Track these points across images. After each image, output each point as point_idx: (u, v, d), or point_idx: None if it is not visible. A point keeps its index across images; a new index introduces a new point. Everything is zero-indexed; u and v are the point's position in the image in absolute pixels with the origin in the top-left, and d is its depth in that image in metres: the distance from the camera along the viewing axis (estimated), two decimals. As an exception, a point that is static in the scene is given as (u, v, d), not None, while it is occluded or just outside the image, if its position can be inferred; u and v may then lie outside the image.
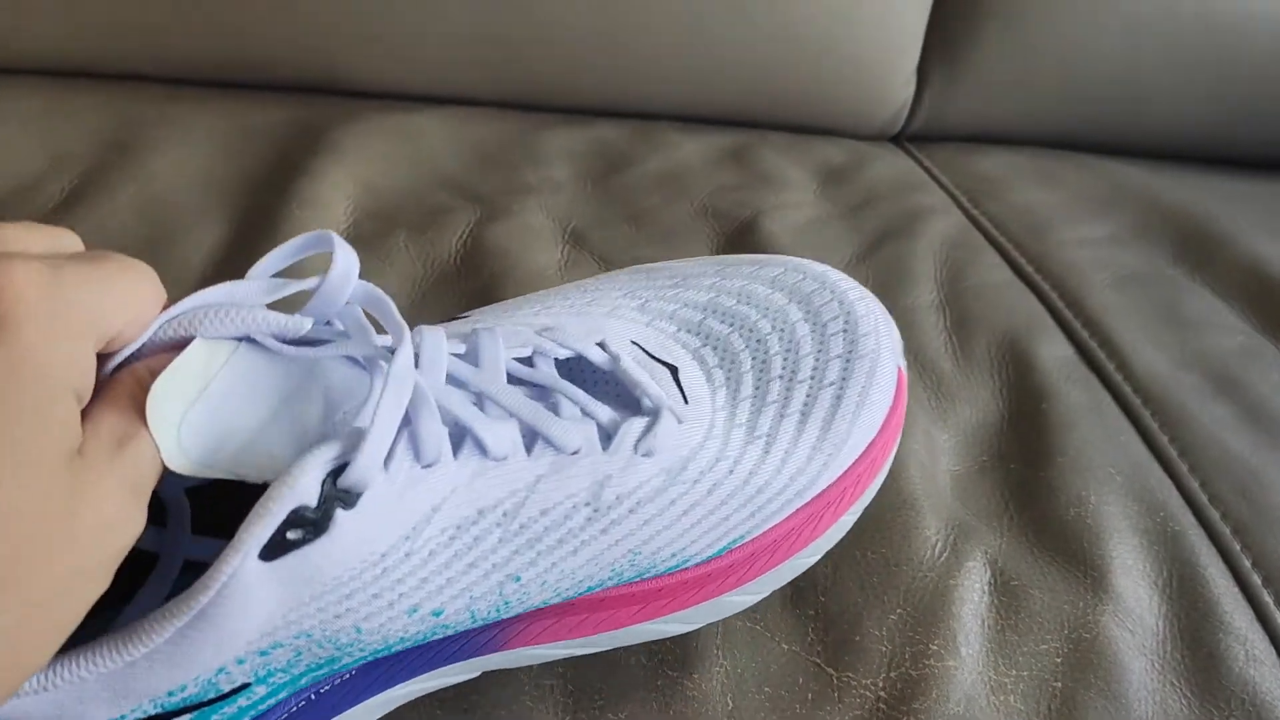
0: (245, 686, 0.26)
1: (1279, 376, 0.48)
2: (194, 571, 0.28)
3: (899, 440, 0.37)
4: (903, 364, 0.37)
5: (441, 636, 0.29)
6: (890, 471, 0.39)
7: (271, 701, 0.28)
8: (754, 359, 0.34)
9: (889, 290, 0.51)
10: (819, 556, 0.35)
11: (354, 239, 0.49)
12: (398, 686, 0.31)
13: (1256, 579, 0.39)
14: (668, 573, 0.31)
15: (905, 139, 0.71)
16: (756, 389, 0.33)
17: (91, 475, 0.22)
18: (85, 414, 0.23)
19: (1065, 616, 0.36)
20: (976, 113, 0.68)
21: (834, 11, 0.62)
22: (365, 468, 0.24)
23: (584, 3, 0.60)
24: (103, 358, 0.24)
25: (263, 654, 0.26)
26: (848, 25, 0.63)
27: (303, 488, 0.24)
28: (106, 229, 0.48)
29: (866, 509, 0.38)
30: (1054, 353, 0.48)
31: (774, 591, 0.35)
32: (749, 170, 0.61)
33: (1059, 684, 0.34)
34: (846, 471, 0.34)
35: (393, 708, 0.31)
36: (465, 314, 0.36)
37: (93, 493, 0.21)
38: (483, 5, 0.60)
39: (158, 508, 0.32)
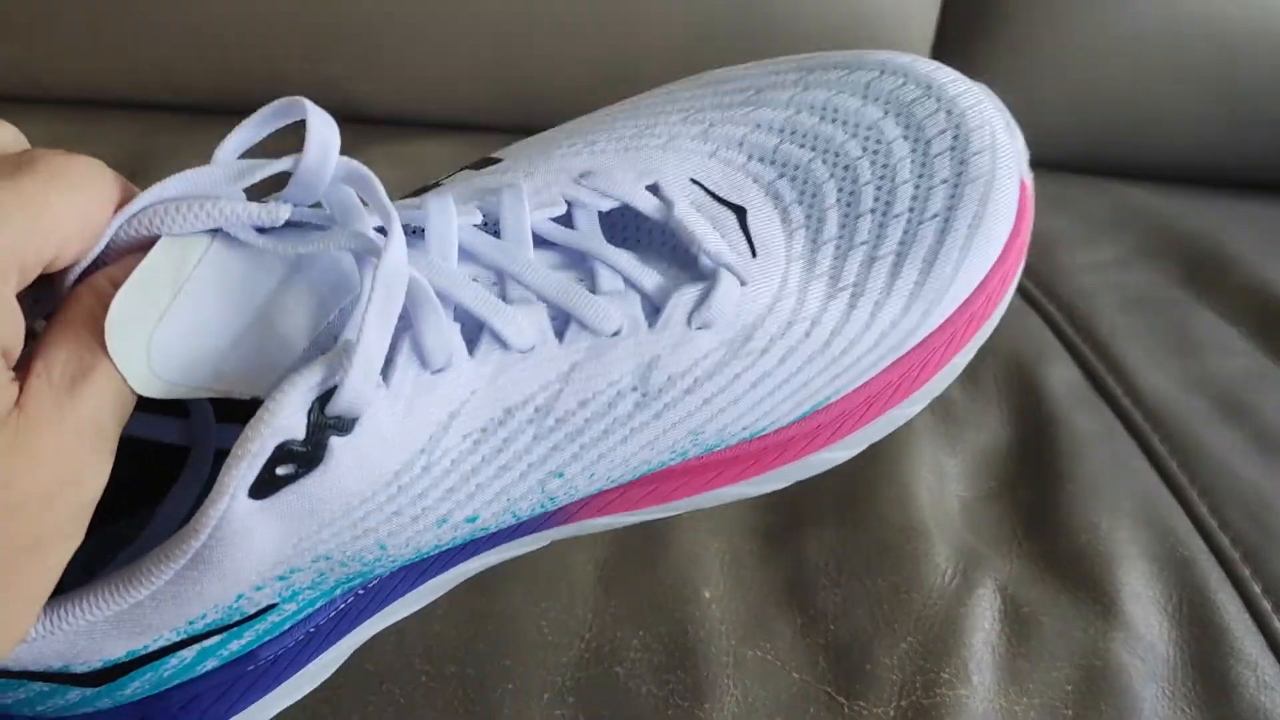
0: (273, 606, 0.24)
1: (1288, 400, 0.48)
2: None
3: (1022, 264, 0.32)
4: (1027, 177, 0.31)
5: (485, 536, 0.27)
6: (899, 498, 0.39)
7: (309, 610, 0.26)
8: (840, 190, 0.29)
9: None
10: (924, 405, 0.31)
11: (364, 266, 0.50)
12: (457, 566, 0.28)
13: (1266, 605, 0.38)
14: (742, 442, 0.28)
15: (912, 162, 0.71)
16: (843, 228, 0.29)
17: (36, 433, 0.19)
18: (36, 350, 0.20)
19: (1076, 644, 0.36)
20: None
21: (840, 37, 0.62)
22: (357, 390, 0.21)
23: (591, 29, 0.60)
24: (53, 277, 0.22)
25: (281, 579, 0.24)
26: (854, 50, 0.63)
27: (285, 421, 0.21)
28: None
29: (875, 534, 0.38)
30: (1062, 377, 0.48)
31: (784, 621, 0.35)
32: (757, 195, 0.61)
33: (1070, 712, 0.34)
34: (955, 313, 0.29)
35: (459, 582, 0.29)
36: (497, 154, 0.31)
37: (37, 451, 0.19)
38: (491, 32, 0.60)
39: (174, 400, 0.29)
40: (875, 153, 0.29)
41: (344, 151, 0.60)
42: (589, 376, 0.25)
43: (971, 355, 0.31)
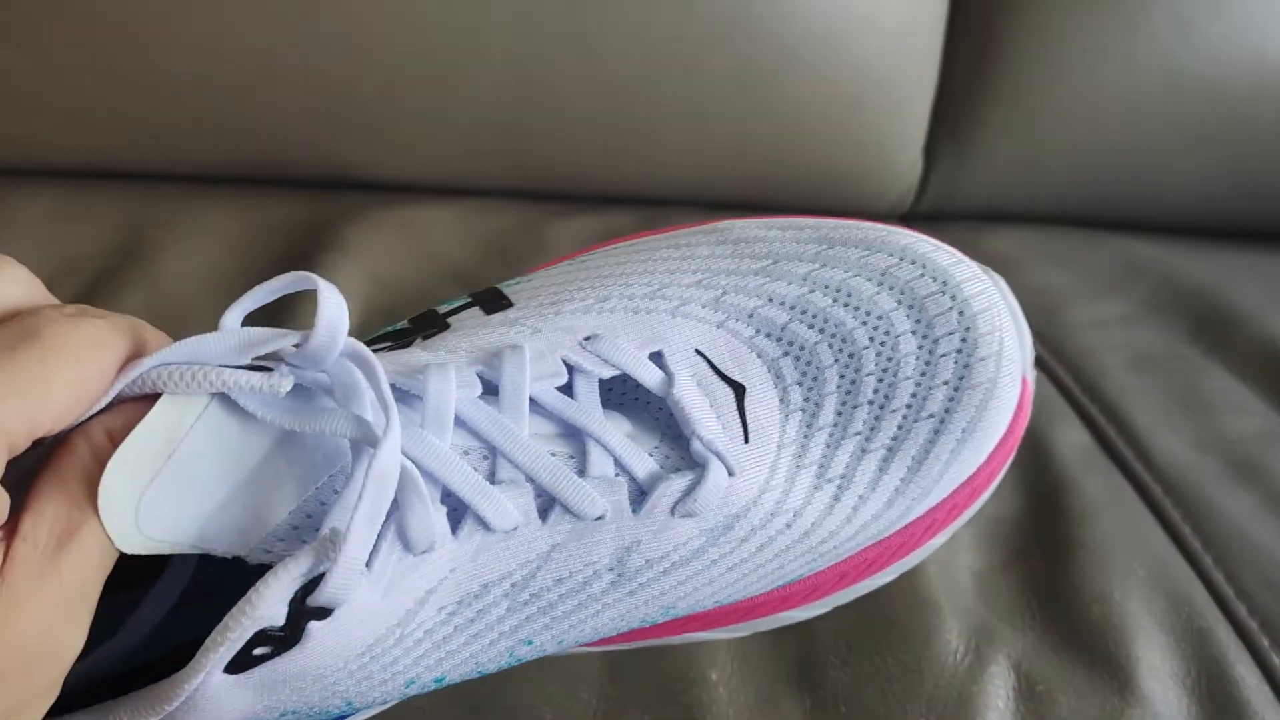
0: None
1: (1302, 461, 0.47)
2: (209, 560, 0.24)
3: (1012, 458, 0.32)
4: (1030, 375, 0.31)
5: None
6: (908, 572, 0.39)
7: None
8: (841, 377, 0.29)
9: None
10: (896, 576, 0.32)
11: (362, 335, 0.49)
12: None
13: (1287, 677, 0.38)
14: (710, 609, 0.29)
15: (915, 218, 0.71)
16: (839, 415, 0.29)
17: (15, 604, 0.19)
18: (28, 502, 0.20)
19: (1093, 722, 0.35)
20: (985, 191, 0.68)
21: (840, 96, 0.62)
22: (341, 584, 0.22)
23: (592, 91, 0.60)
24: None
25: None
26: (854, 109, 0.63)
27: (266, 611, 0.21)
28: (116, 332, 0.48)
29: (884, 610, 0.37)
30: (1072, 441, 0.47)
31: (793, 703, 0.35)
32: (758, 256, 0.61)
33: (1089, 796, 0.33)
34: (937, 506, 0.30)
35: None
36: (505, 293, 0.31)
37: (18, 624, 0.19)
38: (490, 96, 0.60)
39: None
40: (882, 344, 0.29)
41: (339, 218, 0.60)
42: (568, 556, 0.26)
43: (948, 536, 0.32)
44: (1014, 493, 0.44)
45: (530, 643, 0.26)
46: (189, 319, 0.49)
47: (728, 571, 0.27)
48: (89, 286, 0.52)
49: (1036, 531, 0.42)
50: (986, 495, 0.31)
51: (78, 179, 0.61)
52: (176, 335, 0.48)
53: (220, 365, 0.22)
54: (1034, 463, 0.45)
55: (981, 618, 0.38)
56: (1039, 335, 0.55)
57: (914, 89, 0.65)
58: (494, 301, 0.30)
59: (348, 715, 0.25)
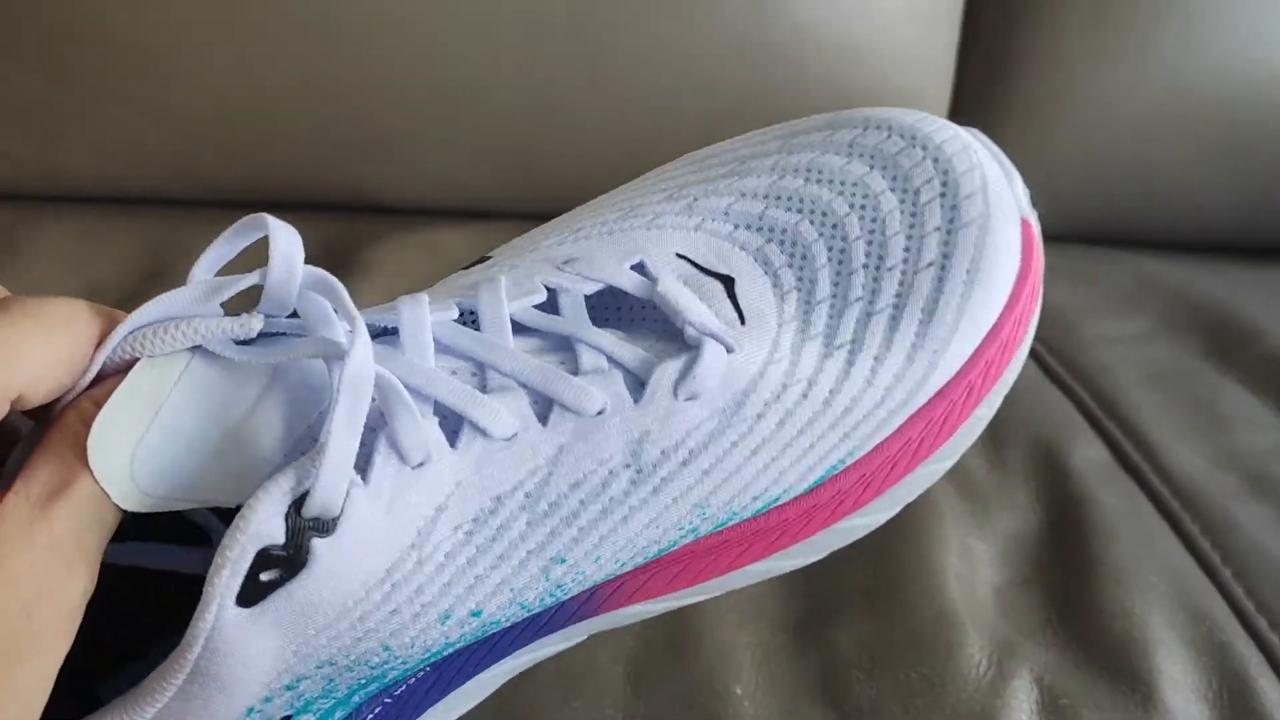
0: (288, 718, 0.24)
1: (1318, 475, 0.47)
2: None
3: (1038, 307, 0.31)
4: (1031, 216, 0.30)
5: (497, 631, 0.27)
6: (928, 586, 0.39)
7: None
8: (830, 249, 0.28)
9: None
10: (954, 460, 0.30)
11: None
12: (486, 671, 0.28)
13: (1309, 690, 0.38)
14: (757, 515, 0.27)
15: (928, 237, 0.71)
16: (835, 286, 0.28)
17: (4, 550, 0.20)
18: (23, 468, 0.21)
19: (1116, 736, 0.35)
20: (998, 210, 0.68)
21: (853, 116, 0.63)
22: (329, 491, 0.22)
23: (606, 112, 0.61)
24: (44, 410, 0.23)
25: (289, 688, 0.24)
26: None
27: (261, 526, 0.21)
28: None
29: (907, 624, 0.38)
30: (1089, 456, 0.47)
31: (817, 717, 0.35)
32: (774, 275, 0.61)
33: (1113, 809, 0.33)
34: (968, 363, 0.28)
35: (492, 689, 0.29)
36: (487, 254, 0.31)
37: (10, 565, 0.20)
38: (506, 119, 0.61)
39: (193, 529, 0.29)
40: (863, 207, 0.29)
41: (361, 242, 0.60)
42: (578, 458, 0.25)
43: (995, 406, 0.30)
44: (1032, 508, 0.44)
45: (564, 560, 0.25)
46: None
47: (753, 455, 0.26)
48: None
49: (1056, 547, 0.42)
50: (1020, 355, 0.30)
51: (102, 205, 0.62)
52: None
53: (191, 316, 0.23)
54: (1052, 478, 0.46)
55: (1003, 633, 0.38)
56: (1054, 352, 0.55)
57: (926, 107, 0.65)
58: (474, 263, 0.31)
59: (390, 668, 0.25)
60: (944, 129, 0.30)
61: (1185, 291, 0.62)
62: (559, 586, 0.26)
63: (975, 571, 0.41)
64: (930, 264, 0.28)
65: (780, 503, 0.27)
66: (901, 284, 0.28)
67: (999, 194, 0.29)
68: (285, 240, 0.23)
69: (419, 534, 0.24)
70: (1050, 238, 0.68)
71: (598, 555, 0.26)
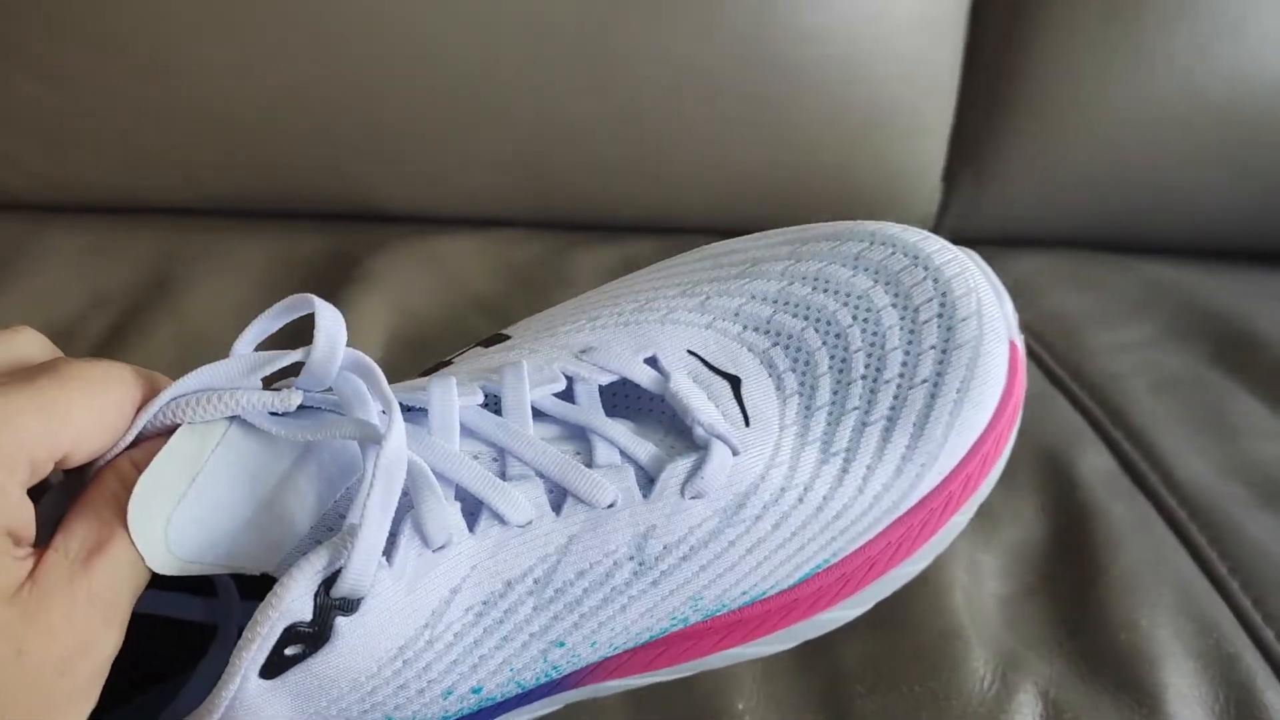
0: None
1: (1327, 484, 0.47)
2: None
3: (1017, 425, 0.33)
4: (1018, 339, 0.32)
5: (491, 706, 0.27)
6: (932, 600, 0.39)
7: None
8: (832, 358, 0.30)
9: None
10: (927, 563, 0.32)
11: (389, 367, 0.50)
12: None
13: (1317, 703, 0.38)
14: (743, 607, 0.29)
15: (935, 243, 0.71)
16: (835, 394, 0.30)
17: (45, 604, 0.21)
18: (62, 524, 0.22)
19: (1122, 750, 0.35)
20: (1004, 216, 0.68)
21: (858, 123, 0.63)
22: (360, 573, 0.23)
23: (612, 121, 0.61)
24: (82, 469, 0.23)
25: None
26: (872, 136, 0.63)
27: (292, 605, 0.22)
28: (150, 367, 0.49)
29: (911, 638, 0.37)
30: (1096, 465, 0.47)
31: (821, 732, 0.35)
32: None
33: (1119, 825, 0.33)
34: (950, 475, 0.30)
35: None
36: (504, 331, 0.33)
37: (46, 623, 0.20)
38: (512, 128, 0.61)
39: (203, 578, 0.30)
40: (865, 320, 0.30)
41: (366, 250, 0.60)
42: (586, 548, 0.26)
43: (971, 514, 0.32)
44: (1038, 519, 0.44)
45: (562, 644, 0.26)
46: (217, 352, 0.50)
47: (748, 554, 0.28)
48: (119, 320, 0.53)
49: (1062, 558, 0.42)
50: (998, 468, 0.32)
51: (108, 214, 0.62)
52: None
53: (233, 389, 0.24)
54: (1059, 488, 0.45)
55: (1008, 645, 0.38)
56: (1060, 359, 0.55)
57: (932, 114, 0.65)
58: (491, 340, 0.32)
59: None
60: (944, 250, 0.31)
61: (1193, 298, 0.62)
62: (554, 667, 0.27)
63: (980, 584, 0.41)
64: (925, 380, 0.29)
65: (765, 596, 0.29)
66: (896, 397, 0.29)
67: (992, 317, 0.30)
68: (330, 321, 0.24)
69: (433, 614, 0.25)
70: (1056, 243, 0.69)
71: (594, 640, 0.27)
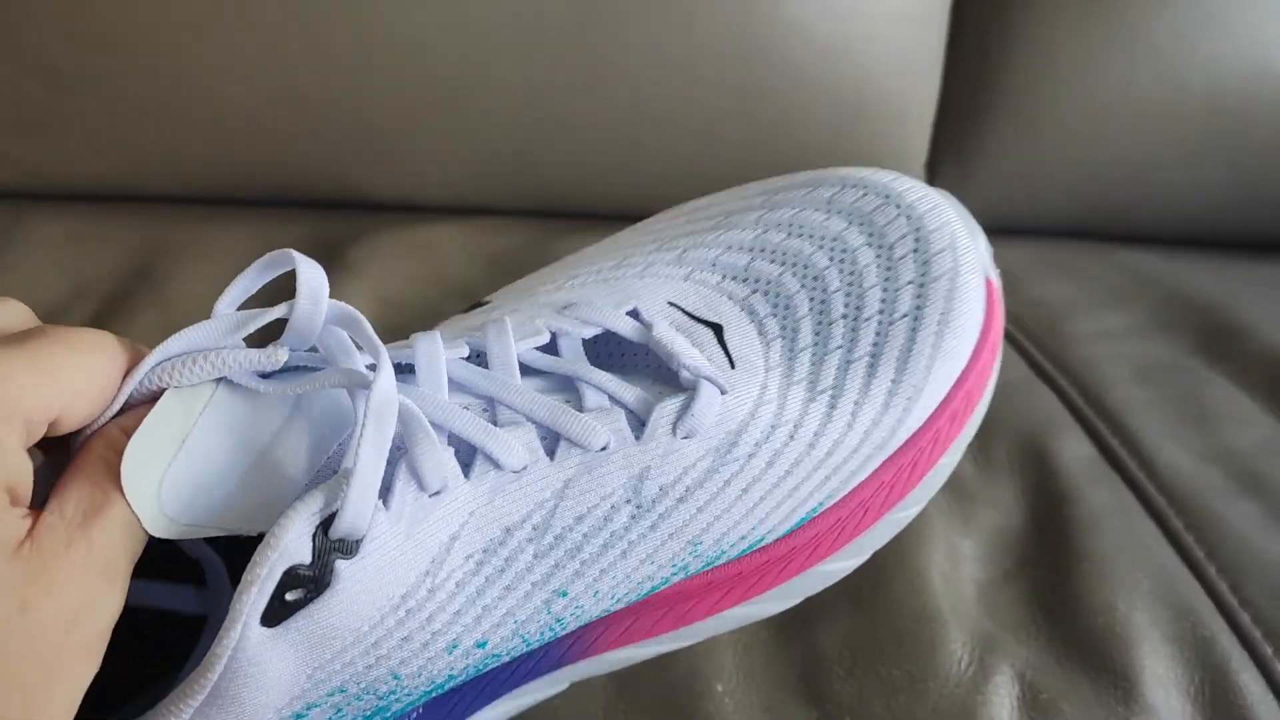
0: None
1: (1305, 471, 0.48)
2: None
3: (998, 363, 0.33)
4: (993, 274, 0.33)
5: (499, 665, 0.27)
6: (912, 583, 0.39)
7: None
8: (811, 300, 0.30)
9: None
10: (919, 508, 0.32)
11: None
12: (479, 713, 0.29)
13: (1291, 685, 0.38)
14: (742, 556, 0.29)
15: (919, 233, 0.71)
16: (817, 335, 0.30)
17: (46, 562, 0.21)
18: (54, 490, 0.22)
19: (1098, 732, 0.35)
20: (988, 205, 0.68)
21: (843, 113, 0.63)
22: (357, 513, 0.23)
23: (598, 110, 0.61)
24: (69, 437, 0.23)
25: (298, 716, 0.24)
26: (856, 125, 0.63)
27: (290, 546, 0.22)
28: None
29: (889, 621, 0.38)
30: (1075, 452, 0.47)
31: (799, 714, 0.35)
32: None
33: (1093, 804, 0.33)
34: (936, 411, 0.30)
35: None
36: (486, 299, 0.33)
37: (47, 580, 0.21)
38: (498, 117, 0.61)
39: (193, 567, 0.30)
40: (842, 261, 0.31)
41: (351, 239, 0.60)
42: (583, 491, 0.26)
43: (959, 455, 0.32)
44: (1018, 504, 0.44)
45: (565, 594, 0.26)
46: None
47: (744, 494, 0.28)
48: (102, 308, 0.53)
49: (1040, 543, 0.42)
50: (983, 404, 0.32)
51: (93, 203, 0.62)
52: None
53: (218, 349, 0.24)
54: (1038, 474, 0.46)
55: (986, 629, 0.38)
56: (1042, 347, 0.55)
57: (916, 105, 0.65)
58: (472, 307, 0.33)
59: (396, 699, 0.26)
60: (916, 188, 0.32)
61: (1176, 287, 0.62)
62: (558, 620, 0.27)
63: (959, 568, 0.41)
64: (904, 315, 0.30)
65: (764, 544, 0.29)
66: (879, 333, 0.30)
67: (966, 250, 0.31)
68: (311, 275, 0.24)
69: (433, 561, 0.25)
70: (1039, 233, 0.69)
71: (597, 589, 0.27)
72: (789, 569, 0.29)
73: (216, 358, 0.24)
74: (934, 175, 0.68)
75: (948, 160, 0.67)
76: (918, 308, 0.30)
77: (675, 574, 0.28)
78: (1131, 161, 0.66)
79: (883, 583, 0.39)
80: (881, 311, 0.30)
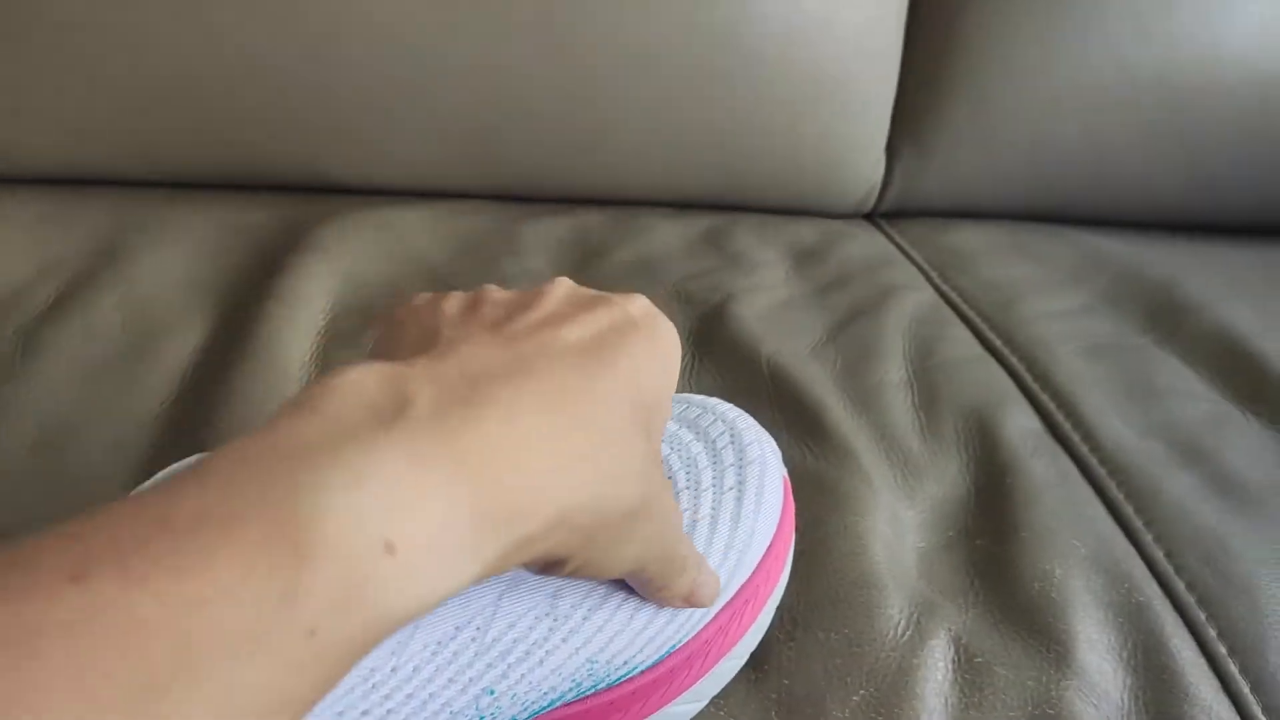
0: None
1: (1245, 444, 0.48)
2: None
3: (791, 552, 0.38)
4: (784, 472, 0.39)
5: None
6: (853, 550, 0.40)
7: None
8: (687, 475, 0.37)
9: (857, 369, 0.52)
10: (744, 660, 0.36)
11: (331, 333, 0.51)
12: None
13: (1222, 649, 0.39)
14: (619, 682, 0.32)
15: (879, 216, 0.72)
16: (690, 500, 0.36)
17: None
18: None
19: (1029, 692, 0.36)
20: (947, 189, 0.69)
21: (802, 97, 0.64)
22: None
23: (561, 96, 0.62)
24: None
25: None
26: (816, 110, 0.64)
27: None
28: (92, 332, 0.50)
29: (830, 587, 0.39)
30: (1021, 426, 0.48)
31: (738, 675, 0.36)
32: (723, 253, 0.62)
33: (1021, 761, 0.34)
34: (752, 575, 0.35)
35: None
36: None
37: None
38: (463, 102, 0.61)
39: None
40: (680, 452, 0.38)
41: (316, 220, 0.60)
42: (513, 603, 0.30)
43: (761, 635, 0.36)
44: (962, 476, 0.45)
45: (492, 692, 0.30)
46: (161, 318, 0.51)
47: (632, 618, 0.32)
48: (66, 289, 0.53)
49: (982, 513, 0.43)
50: (779, 589, 0.37)
51: (58, 185, 0.63)
52: (148, 332, 0.49)
53: None
54: (983, 447, 0.47)
55: (925, 594, 0.39)
56: (994, 326, 0.56)
57: (874, 89, 0.66)
58: None
59: None
60: (742, 417, 0.40)
61: (1128, 268, 0.63)
62: (481, 717, 0.30)
63: (902, 537, 0.42)
64: (730, 488, 0.36)
65: (635, 674, 0.33)
66: (715, 501, 0.36)
67: (772, 450, 0.38)
68: None
69: (399, 643, 0.28)
70: (998, 215, 0.70)
71: (514, 692, 0.30)
72: (649, 704, 0.33)
73: None
74: (893, 159, 0.69)
75: (907, 145, 0.68)
76: (740, 482, 0.36)
77: (571, 691, 0.32)
78: (1087, 145, 0.67)
79: (825, 551, 0.40)
80: (714, 484, 0.36)
